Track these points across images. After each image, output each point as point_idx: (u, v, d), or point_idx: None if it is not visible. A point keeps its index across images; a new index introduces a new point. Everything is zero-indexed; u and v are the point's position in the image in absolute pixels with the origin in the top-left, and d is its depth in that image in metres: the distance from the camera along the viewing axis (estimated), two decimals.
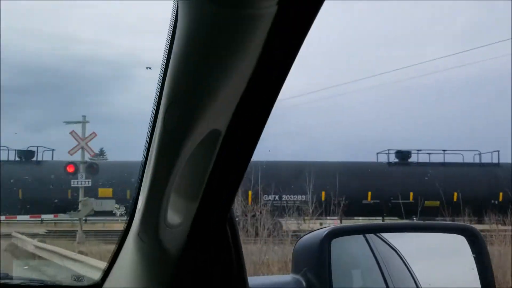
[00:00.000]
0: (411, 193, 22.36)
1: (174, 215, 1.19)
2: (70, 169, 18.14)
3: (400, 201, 20.46)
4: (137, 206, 1.41)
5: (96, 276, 1.83)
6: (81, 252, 11.37)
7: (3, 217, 21.73)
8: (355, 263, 2.07)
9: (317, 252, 1.64)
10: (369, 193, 23.21)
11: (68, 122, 19.07)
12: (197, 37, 0.88)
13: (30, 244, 13.76)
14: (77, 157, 18.75)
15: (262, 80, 0.96)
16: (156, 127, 1.22)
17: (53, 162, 23.96)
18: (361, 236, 2.00)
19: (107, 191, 21.48)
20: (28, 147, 24.70)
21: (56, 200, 22.40)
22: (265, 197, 15.78)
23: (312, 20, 0.86)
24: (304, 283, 1.61)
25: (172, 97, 0.94)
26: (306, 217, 14.63)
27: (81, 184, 18.32)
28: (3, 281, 1.74)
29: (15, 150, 24.22)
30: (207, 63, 0.90)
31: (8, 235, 18.57)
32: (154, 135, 1.24)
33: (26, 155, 24.31)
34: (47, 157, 24.56)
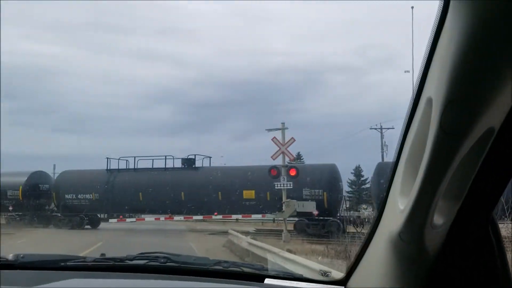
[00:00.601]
0: None
1: (439, 216, 1.17)
2: (273, 172, 19.51)
3: None
4: (388, 206, 1.43)
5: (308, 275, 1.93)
6: (289, 250, 12.08)
7: (200, 217, 25.39)
8: None
9: None
10: None
11: (269, 130, 20.52)
12: (473, 36, 0.86)
13: (244, 241, 15.24)
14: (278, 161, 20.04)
15: None
16: (410, 129, 1.22)
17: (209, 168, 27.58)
18: None
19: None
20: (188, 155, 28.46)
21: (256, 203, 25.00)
22: None
23: None
24: None
25: (449, 96, 0.92)
26: None
27: (284, 186, 19.51)
28: (260, 272, 1.97)
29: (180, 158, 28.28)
30: (487, 61, 0.87)
31: (225, 232, 21.07)
32: (407, 136, 1.25)
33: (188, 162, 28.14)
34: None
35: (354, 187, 65.98)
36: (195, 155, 29.05)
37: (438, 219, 1.18)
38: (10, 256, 2.02)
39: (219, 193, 25.90)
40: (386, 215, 1.45)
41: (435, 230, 1.20)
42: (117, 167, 29.49)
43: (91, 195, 29.11)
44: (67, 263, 2.01)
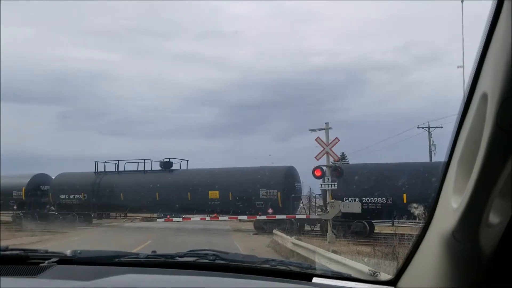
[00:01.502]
0: None
1: (494, 215, 1.14)
2: (318, 173, 19.30)
3: None
4: (441, 205, 1.40)
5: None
6: (334, 251, 11.95)
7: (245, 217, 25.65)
8: None
9: None
10: None
11: (313, 130, 20.31)
12: None
13: (289, 242, 15.21)
14: (322, 161, 19.78)
15: None
16: (463, 126, 1.19)
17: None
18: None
19: None
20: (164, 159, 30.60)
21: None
22: None
23: None
24: None
25: (506, 93, 0.89)
26: None
27: (328, 186, 19.30)
28: (308, 271, 1.97)
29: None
30: None
31: (270, 233, 21.13)
32: (460, 133, 1.22)
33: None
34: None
35: None
36: (169, 158, 31.37)
37: (494, 218, 1.14)
38: (68, 252, 2.13)
39: (188, 193, 28.01)
40: (439, 214, 1.41)
41: (491, 229, 1.16)
42: (115, 170, 32.07)
43: (80, 195, 32.20)
44: (121, 259, 2.09)
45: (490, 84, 0.97)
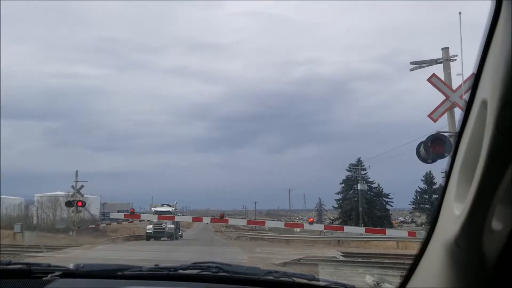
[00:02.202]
0: None
1: (497, 221, 1.13)
2: (438, 148, 10.05)
3: None
4: (443, 212, 1.39)
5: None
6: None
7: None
8: None
9: None
10: None
11: (416, 65, 12.51)
12: None
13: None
14: None
15: None
16: (465, 132, 1.19)
17: None
18: None
19: None
20: None
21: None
22: None
23: None
24: None
25: (505, 97, 0.90)
26: None
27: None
28: (311, 282, 1.96)
29: None
30: None
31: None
32: (462, 139, 1.22)
33: None
34: None
35: (425, 196, 63.72)
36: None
37: (496, 224, 1.14)
38: (71, 266, 2.12)
39: None
40: (441, 222, 1.41)
41: (494, 236, 1.16)
42: None
43: None
44: (124, 272, 2.08)
45: (489, 89, 0.97)
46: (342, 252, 21.54)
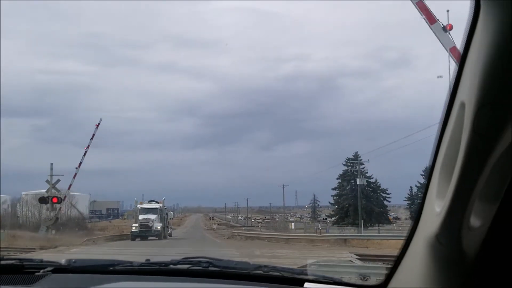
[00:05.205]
0: None
1: (475, 218, 1.19)
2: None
3: None
4: (426, 209, 1.45)
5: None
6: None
7: None
8: None
9: None
10: None
11: None
12: (504, 38, 0.88)
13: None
14: None
15: None
16: (445, 133, 1.24)
17: None
18: None
19: None
20: None
21: None
22: None
23: None
24: None
25: (481, 100, 0.95)
26: None
27: None
28: (300, 276, 2.01)
29: None
30: None
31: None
32: (443, 140, 1.27)
33: None
34: None
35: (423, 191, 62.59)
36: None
37: (475, 221, 1.19)
38: (63, 261, 2.15)
39: None
40: (424, 218, 1.46)
41: (473, 232, 1.21)
42: None
43: None
44: (116, 267, 2.11)
45: (467, 93, 1.02)
46: (356, 254, 19.10)
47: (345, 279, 1.97)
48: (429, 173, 1.39)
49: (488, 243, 1.27)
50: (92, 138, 37.53)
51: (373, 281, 1.96)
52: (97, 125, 36.90)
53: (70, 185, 37.74)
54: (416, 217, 1.55)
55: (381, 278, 1.86)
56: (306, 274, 2.01)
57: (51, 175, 37.93)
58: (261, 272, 2.05)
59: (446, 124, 1.22)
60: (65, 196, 37.20)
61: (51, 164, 37.99)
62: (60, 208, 36.87)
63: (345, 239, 29.01)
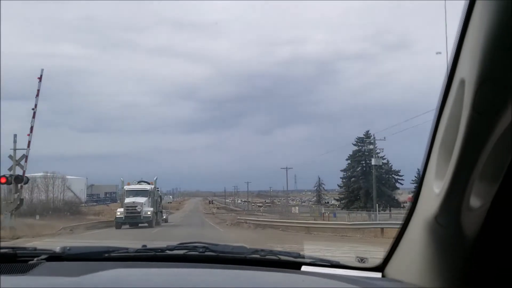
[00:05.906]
0: None
1: (475, 198, 1.16)
2: None
3: None
4: (424, 191, 1.42)
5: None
6: None
7: None
8: None
9: None
10: None
11: None
12: (505, 14, 0.84)
13: None
14: None
15: None
16: (444, 112, 1.20)
17: None
18: None
19: None
20: None
21: None
22: None
23: None
24: None
25: (482, 77, 0.90)
26: None
27: None
28: (297, 260, 1.99)
29: None
30: None
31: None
32: (441, 119, 1.23)
33: None
34: None
35: None
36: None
37: (475, 202, 1.16)
38: (57, 249, 2.12)
39: None
40: (422, 199, 1.43)
41: (473, 213, 1.18)
42: None
43: None
44: (111, 254, 2.09)
45: (467, 69, 0.98)
46: None
47: (343, 261, 1.95)
48: (427, 153, 1.36)
49: (488, 224, 1.24)
50: (37, 95, 27.94)
51: (371, 263, 1.95)
52: (39, 78, 28.29)
53: (26, 157, 27.12)
54: (414, 198, 1.52)
55: (379, 260, 1.84)
56: (303, 257, 1.99)
57: (15, 149, 27.20)
58: (258, 256, 2.03)
59: (445, 102, 1.18)
60: (24, 174, 27.23)
61: (15, 135, 27.92)
62: (21, 187, 27.44)
63: (382, 228, 22.20)
